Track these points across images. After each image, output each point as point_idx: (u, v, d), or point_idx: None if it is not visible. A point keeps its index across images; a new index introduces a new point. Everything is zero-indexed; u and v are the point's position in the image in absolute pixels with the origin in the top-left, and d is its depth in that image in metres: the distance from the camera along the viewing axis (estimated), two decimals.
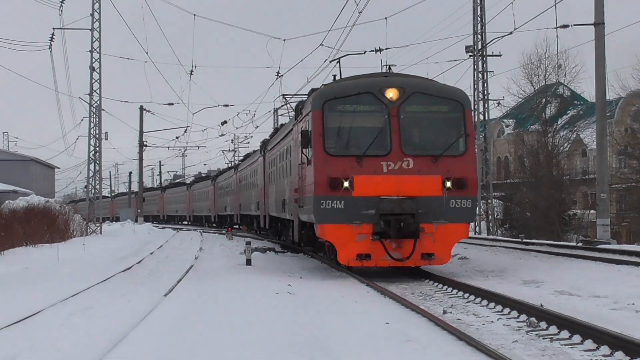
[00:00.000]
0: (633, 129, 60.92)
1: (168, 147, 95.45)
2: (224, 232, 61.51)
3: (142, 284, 21.74)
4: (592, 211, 43.89)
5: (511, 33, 42.73)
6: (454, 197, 19.83)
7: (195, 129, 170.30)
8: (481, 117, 60.45)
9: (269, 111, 60.73)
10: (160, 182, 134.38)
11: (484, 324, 14.37)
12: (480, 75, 60.55)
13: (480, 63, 60.55)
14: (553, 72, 71.28)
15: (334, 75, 26.97)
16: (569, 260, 26.67)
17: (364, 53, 45.01)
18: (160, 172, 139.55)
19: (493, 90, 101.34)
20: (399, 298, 17.02)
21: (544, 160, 68.68)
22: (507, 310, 15.89)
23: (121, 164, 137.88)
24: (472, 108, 34.68)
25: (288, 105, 48.07)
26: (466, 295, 18.72)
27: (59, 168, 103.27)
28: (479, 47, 59.52)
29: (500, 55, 62.35)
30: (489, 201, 61.78)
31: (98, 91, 56.16)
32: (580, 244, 35.53)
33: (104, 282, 22.32)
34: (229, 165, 70.58)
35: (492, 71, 62.40)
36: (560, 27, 36.85)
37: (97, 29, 54.91)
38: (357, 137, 21.33)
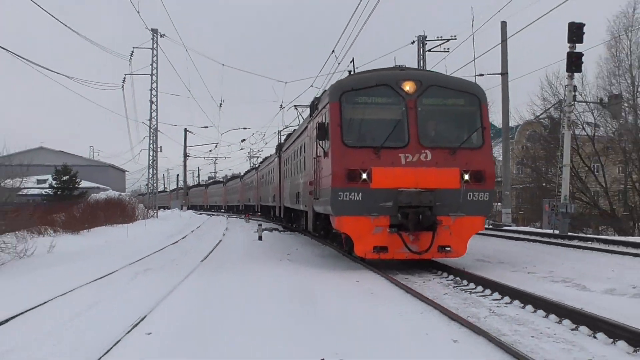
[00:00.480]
0: (527, 146, 66.12)
1: (204, 157, 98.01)
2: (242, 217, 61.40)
3: (186, 254, 21.68)
4: (499, 204, 45.44)
5: None
6: (472, 190, 15.81)
7: (223, 144, 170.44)
8: None
9: (274, 132, 60.47)
10: (198, 182, 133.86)
11: (424, 282, 14.51)
12: None
13: None
14: None
15: (349, 71, 21.80)
16: (487, 238, 26.44)
17: None
18: (198, 175, 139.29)
19: None
20: (367, 265, 16.93)
21: None
22: (440, 272, 16.14)
23: (171, 168, 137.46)
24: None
25: (297, 110, 39.41)
26: (415, 263, 17.09)
27: (128, 171, 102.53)
28: None
29: None
30: None
31: (155, 117, 56.33)
32: (491, 226, 37.07)
33: (160, 252, 22.21)
34: (251, 167, 68.93)
35: None
36: (478, 75, 37.51)
37: (155, 74, 54.91)
38: (374, 128, 16.91)
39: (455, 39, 46.62)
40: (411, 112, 15.94)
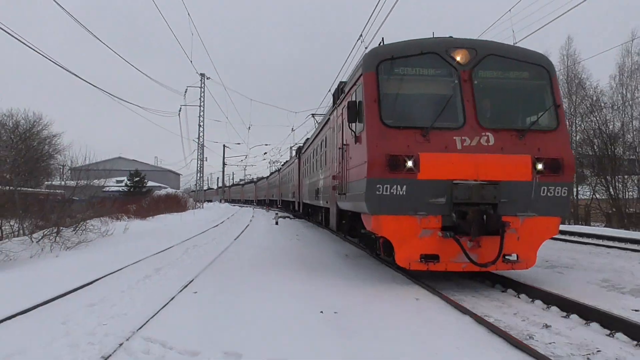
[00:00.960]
0: None
1: (237, 165, 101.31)
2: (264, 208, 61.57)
3: (225, 234, 21.68)
4: None
5: None
6: (546, 184, 9.41)
7: (251, 156, 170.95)
8: None
9: (288, 147, 60.29)
10: (232, 183, 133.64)
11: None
12: None
13: None
14: None
15: (382, 38, 12.57)
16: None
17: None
18: (233, 178, 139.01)
19: None
20: (353, 241, 16.93)
21: None
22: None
23: (213, 173, 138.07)
24: None
25: (314, 118, 32.02)
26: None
27: (182, 175, 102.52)
28: None
29: None
30: None
31: (202, 136, 56.92)
32: None
33: (203, 233, 22.20)
34: (275, 170, 68.45)
35: None
36: None
37: (202, 106, 55.65)
38: (420, 105, 10.56)
39: None
40: (466, 85, 9.91)
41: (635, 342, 5.96)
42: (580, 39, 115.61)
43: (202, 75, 54.86)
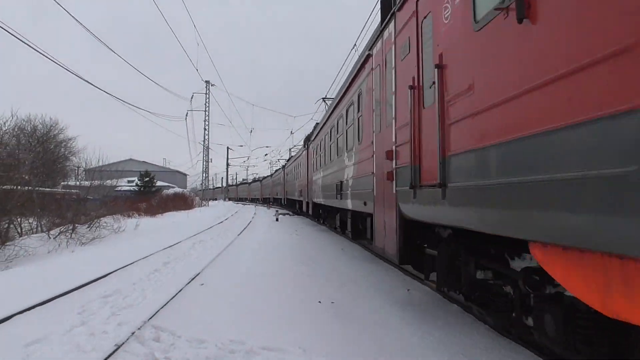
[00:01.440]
0: None
1: (240, 166, 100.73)
2: (265, 205, 61.54)
3: (229, 230, 21.67)
4: None
5: None
6: None
7: (253, 158, 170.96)
8: None
9: (288, 149, 60.31)
10: (236, 183, 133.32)
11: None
12: None
13: None
14: None
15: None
16: None
17: None
18: (236, 178, 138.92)
19: None
20: (346, 236, 16.87)
21: None
22: None
23: (218, 172, 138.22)
24: None
25: (325, 102, 25.32)
26: None
27: (188, 175, 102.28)
28: None
29: None
30: None
31: (207, 139, 56.99)
32: None
33: (209, 229, 22.17)
34: (280, 167, 65.57)
35: None
36: None
37: (207, 111, 55.71)
38: None
39: None
40: None
41: None
42: None
43: (207, 82, 55.16)
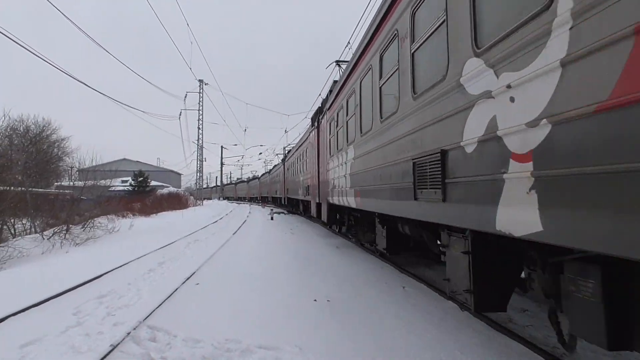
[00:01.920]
0: None
1: (234, 165, 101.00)
2: (260, 203, 61.48)
3: (224, 229, 21.63)
4: None
5: None
6: None
7: (247, 156, 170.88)
8: None
9: (282, 147, 59.96)
10: (230, 181, 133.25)
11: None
12: None
13: None
14: None
15: None
16: None
17: None
18: (230, 177, 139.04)
19: None
20: (336, 231, 16.90)
21: None
22: None
23: (213, 172, 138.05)
24: None
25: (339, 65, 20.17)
26: None
27: (182, 174, 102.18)
28: None
29: None
30: None
31: (201, 138, 56.98)
32: None
33: (204, 228, 22.13)
34: (276, 164, 56.22)
35: None
36: None
37: (201, 110, 55.62)
38: None
39: None
40: None
41: None
42: None
43: (201, 81, 55.07)
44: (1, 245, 13.52)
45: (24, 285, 8.83)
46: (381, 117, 7.65)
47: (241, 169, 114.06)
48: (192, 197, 56.89)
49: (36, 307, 7.04)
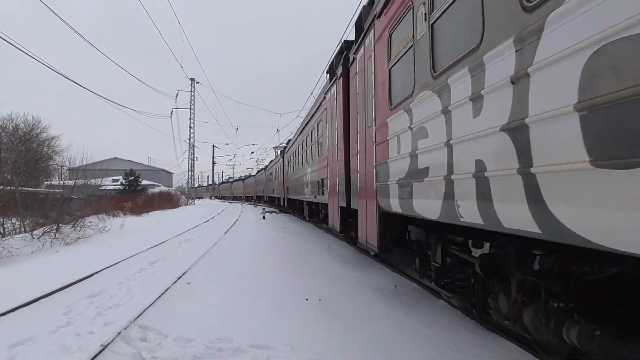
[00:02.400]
0: None
1: (226, 164, 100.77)
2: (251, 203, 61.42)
3: (215, 228, 21.57)
4: None
5: None
6: None
7: (239, 155, 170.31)
8: None
9: (272, 148, 60.13)
10: (221, 181, 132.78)
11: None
12: None
13: None
14: None
15: None
16: None
17: None
18: (222, 176, 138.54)
19: None
20: (330, 232, 16.83)
21: None
22: None
23: (204, 171, 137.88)
24: None
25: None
26: None
27: (174, 173, 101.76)
28: None
29: None
30: None
31: (193, 137, 56.82)
32: None
33: (196, 227, 22.05)
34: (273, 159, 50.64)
35: None
36: None
37: (192, 108, 55.50)
38: None
39: None
40: None
41: None
42: None
43: (192, 80, 54.86)
44: None
45: (14, 284, 8.76)
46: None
47: (233, 168, 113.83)
48: (183, 197, 56.72)
49: (26, 307, 6.99)
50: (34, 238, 15.50)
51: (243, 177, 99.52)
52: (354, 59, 9.33)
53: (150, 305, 6.90)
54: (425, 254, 6.37)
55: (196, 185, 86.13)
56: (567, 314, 3.46)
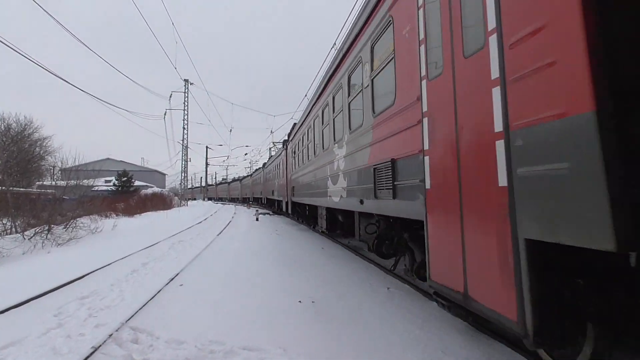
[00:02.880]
0: None
1: (219, 165, 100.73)
2: (245, 204, 61.26)
3: (208, 230, 21.52)
4: None
5: None
6: None
7: (232, 157, 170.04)
8: None
9: (267, 149, 59.91)
10: (216, 182, 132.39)
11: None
12: None
13: None
14: None
15: None
16: None
17: None
18: (215, 177, 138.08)
19: None
20: (327, 235, 16.92)
21: None
22: None
23: (197, 172, 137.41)
24: None
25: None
26: None
27: (167, 174, 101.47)
28: None
29: None
30: None
31: (186, 138, 56.62)
32: None
33: (189, 229, 21.99)
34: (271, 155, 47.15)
35: None
36: None
37: (186, 110, 55.27)
38: None
39: None
40: None
41: None
42: None
43: (186, 81, 54.72)
44: None
45: (4, 285, 8.69)
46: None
47: (226, 169, 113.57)
48: (176, 198, 56.52)
49: (16, 309, 6.93)
50: (25, 239, 15.40)
51: (239, 178, 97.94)
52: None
53: (142, 307, 6.87)
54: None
55: (189, 186, 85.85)
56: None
